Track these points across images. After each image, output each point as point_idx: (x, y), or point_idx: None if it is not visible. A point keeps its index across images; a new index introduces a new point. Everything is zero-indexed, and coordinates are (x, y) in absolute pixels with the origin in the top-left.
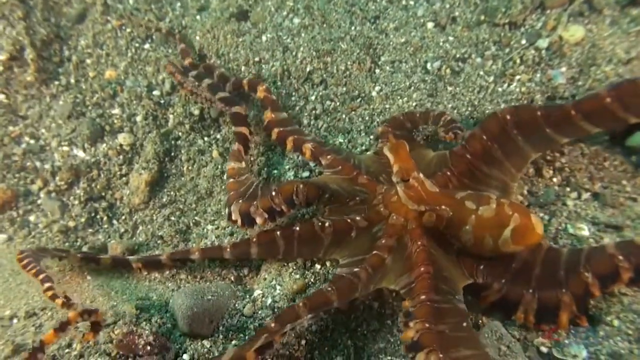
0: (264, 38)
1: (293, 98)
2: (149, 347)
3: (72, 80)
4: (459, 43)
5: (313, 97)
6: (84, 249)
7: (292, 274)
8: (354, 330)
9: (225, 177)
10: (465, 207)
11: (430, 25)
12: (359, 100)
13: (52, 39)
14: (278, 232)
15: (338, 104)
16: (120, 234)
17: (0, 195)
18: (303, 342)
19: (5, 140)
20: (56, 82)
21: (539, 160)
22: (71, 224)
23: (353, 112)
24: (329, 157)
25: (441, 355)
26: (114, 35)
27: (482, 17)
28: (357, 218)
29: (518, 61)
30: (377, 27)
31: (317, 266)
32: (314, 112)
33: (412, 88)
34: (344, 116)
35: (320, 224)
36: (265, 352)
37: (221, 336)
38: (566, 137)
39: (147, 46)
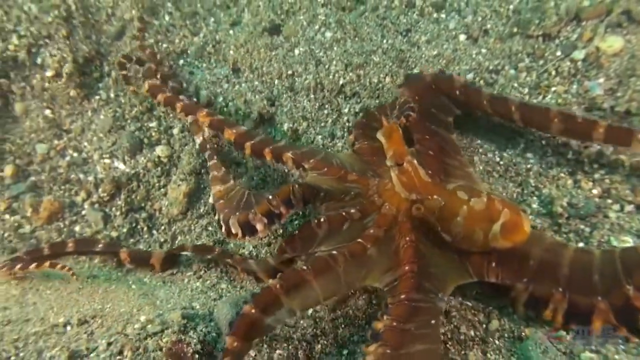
0: (296, 52)
1: (326, 110)
2: (197, 356)
3: (112, 95)
4: (492, 55)
5: (346, 110)
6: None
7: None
8: None
9: (212, 200)
10: (457, 198)
11: (462, 37)
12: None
13: (93, 56)
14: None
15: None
16: (160, 244)
17: (48, 207)
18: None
19: (51, 154)
20: (97, 97)
21: (576, 171)
22: (114, 234)
23: None
24: (311, 161)
25: (388, 351)
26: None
27: (515, 29)
28: (352, 210)
29: (553, 73)
30: (409, 40)
31: None
32: (347, 124)
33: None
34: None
35: (316, 221)
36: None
37: (265, 345)
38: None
39: (181, 62)
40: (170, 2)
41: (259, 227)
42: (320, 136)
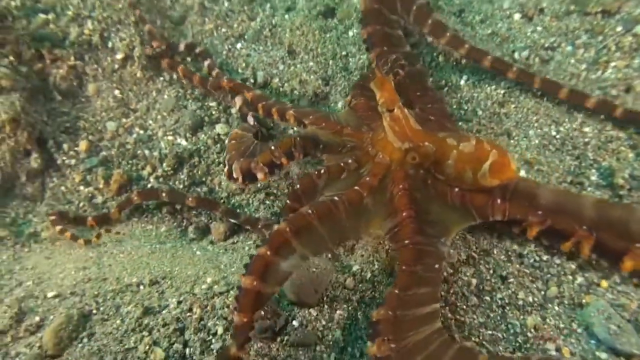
0: (350, 33)
1: None
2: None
3: (175, 77)
4: (548, 33)
5: None
6: (190, 229)
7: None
8: (452, 304)
9: (227, 140)
10: (447, 144)
11: (517, 16)
12: (445, 89)
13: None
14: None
15: None
16: (220, 216)
17: (118, 179)
18: None
19: (120, 131)
20: (161, 79)
21: (638, 145)
22: (177, 206)
23: None
24: (311, 117)
25: (396, 292)
26: (210, 35)
27: (572, 7)
28: (349, 160)
29: (613, 48)
30: (463, 20)
31: None
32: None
33: (500, 76)
34: None
35: (316, 172)
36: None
37: (326, 306)
38: None
39: (239, 45)
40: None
41: (259, 175)
42: None
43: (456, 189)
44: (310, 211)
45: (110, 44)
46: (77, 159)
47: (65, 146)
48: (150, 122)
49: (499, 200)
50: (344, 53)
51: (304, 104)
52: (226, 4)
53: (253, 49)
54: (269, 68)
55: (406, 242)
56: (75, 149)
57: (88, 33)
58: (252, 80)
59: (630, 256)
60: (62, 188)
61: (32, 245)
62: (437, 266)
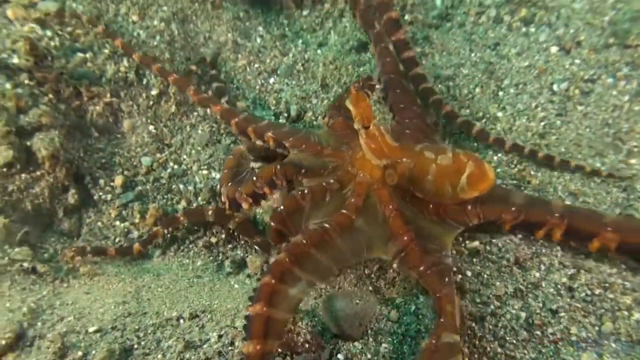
0: None
1: None
2: (307, 345)
3: (208, 111)
4: (587, 65)
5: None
6: (226, 263)
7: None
8: (502, 338)
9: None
10: (425, 158)
11: (554, 49)
12: (484, 120)
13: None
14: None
15: None
16: (255, 250)
17: (154, 214)
18: None
19: (154, 166)
20: (195, 114)
21: None
22: (213, 240)
23: None
24: (291, 139)
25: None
26: (243, 71)
27: (611, 40)
28: (331, 181)
29: None
30: (498, 53)
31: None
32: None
33: (539, 108)
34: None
35: (299, 192)
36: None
37: (371, 339)
38: None
39: (272, 80)
40: (261, 26)
41: (244, 205)
42: None
43: (430, 205)
44: (304, 240)
45: (145, 81)
46: (113, 194)
47: (101, 182)
48: (185, 156)
49: (469, 207)
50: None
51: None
52: (258, 40)
53: (286, 84)
54: (302, 102)
55: (422, 268)
56: (111, 184)
57: (124, 70)
58: (285, 114)
59: (599, 239)
60: (99, 223)
61: (71, 281)
62: (447, 280)
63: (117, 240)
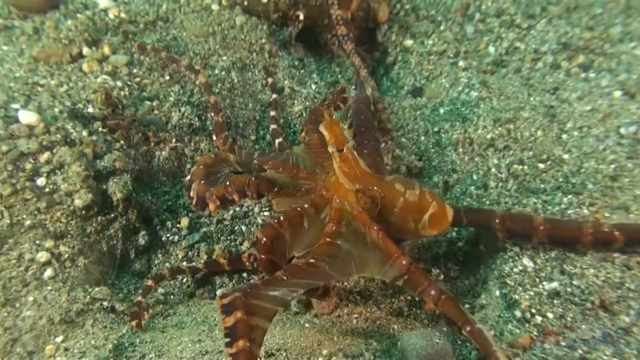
0: (441, 110)
1: (476, 163)
2: None
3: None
4: None
5: (496, 161)
6: (293, 303)
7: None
8: None
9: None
10: (395, 190)
11: (617, 93)
12: (548, 162)
13: (250, 120)
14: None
15: (526, 167)
16: None
17: (219, 254)
18: None
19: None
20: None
21: None
22: None
23: (544, 174)
24: (270, 162)
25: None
26: (299, 116)
27: None
28: (305, 205)
29: None
30: (558, 97)
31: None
32: (500, 175)
33: (607, 151)
34: (534, 178)
35: (275, 221)
36: None
37: None
38: None
39: None
40: (315, 74)
41: (211, 206)
42: (473, 187)
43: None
44: (285, 277)
45: (207, 126)
46: (180, 236)
47: (168, 224)
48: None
49: None
50: (435, 129)
51: None
52: (313, 87)
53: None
54: None
55: (433, 293)
56: (178, 226)
57: (187, 116)
58: None
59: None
60: (167, 264)
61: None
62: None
63: (184, 280)
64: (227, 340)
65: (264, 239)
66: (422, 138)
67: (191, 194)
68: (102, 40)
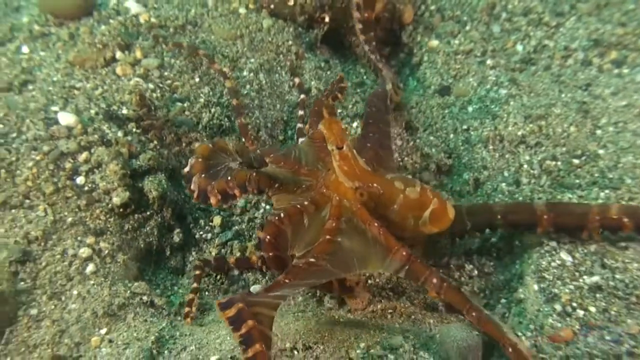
0: (470, 109)
1: (507, 160)
2: None
3: None
4: None
5: (527, 157)
6: (326, 299)
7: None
8: None
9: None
10: (394, 187)
11: None
12: (583, 158)
13: (278, 121)
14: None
15: (559, 163)
16: None
17: (253, 251)
18: None
19: (248, 207)
20: None
21: None
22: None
23: (579, 170)
24: (272, 155)
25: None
26: None
27: None
28: (305, 203)
29: None
30: (591, 93)
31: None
32: (532, 171)
33: None
34: (568, 174)
35: (276, 217)
36: None
37: None
38: None
39: (355, 124)
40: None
41: (212, 200)
42: (504, 183)
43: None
44: (287, 280)
45: (237, 126)
46: (213, 234)
47: (201, 222)
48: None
49: None
50: (464, 127)
51: (428, 176)
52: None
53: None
54: None
55: (435, 281)
56: (210, 224)
57: (217, 117)
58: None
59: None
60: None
61: (183, 314)
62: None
63: (217, 277)
64: (243, 346)
65: (267, 237)
66: (451, 136)
67: (192, 187)
68: (134, 45)
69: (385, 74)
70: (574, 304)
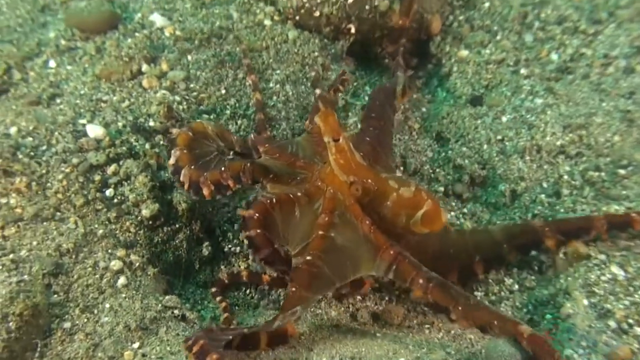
0: (504, 119)
1: (545, 171)
2: None
3: None
4: None
5: (567, 168)
6: (358, 314)
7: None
8: None
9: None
10: (388, 185)
11: None
12: (630, 168)
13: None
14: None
15: (603, 173)
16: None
17: None
18: None
19: None
20: None
21: None
22: (343, 291)
23: (626, 180)
24: (266, 145)
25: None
26: (355, 127)
27: None
28: (298, 193)
29: None
30: (635, 101)
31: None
32: (574, 182)
33: None
34: (614, 185)
35: (268, 200)
36: None
37: None
38: None
39: None
40: (367, 86)
41: (205, 191)
42: (543, 195)
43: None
44: (294, 289)
45: None
46: (242, 247)
47: (229, 235)
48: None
49: None
50: (499, 137)
51: (460, 189)
52: (366, 98)
53: (398, 139)
54: (417, 156)
55: (421, 282)
56: (239, 237)
57: (244, 129)
58: (402, 168)
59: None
60: (224, 274)
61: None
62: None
63: (247, 291)
64: None
65: (256, 214)
66: (485, 147)
67: (182, 178)
68: (160, 57)
69: (399, 74)
70: (631, 321)
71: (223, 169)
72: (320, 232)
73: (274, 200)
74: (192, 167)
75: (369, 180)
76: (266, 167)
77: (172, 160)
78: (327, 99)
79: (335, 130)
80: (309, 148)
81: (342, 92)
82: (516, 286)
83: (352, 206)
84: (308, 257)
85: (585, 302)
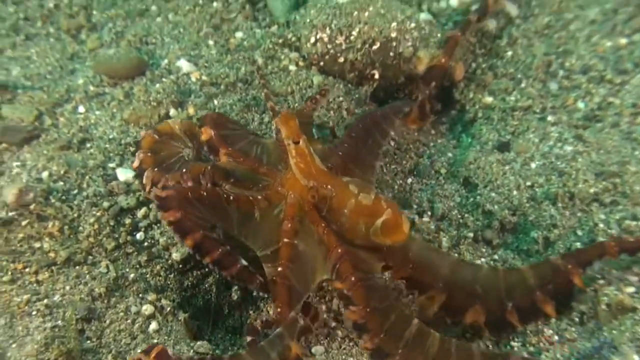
0: (533, 165)
1: (578, 219)
2: None
3: None
4: None
5: (602, 216)
6: None
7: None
8: None
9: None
10: (348, 190)
11: None
12: None
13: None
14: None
15: None
16: None
17: None
18: None
19: None
20: None
21: None
22: None
23: None
24: (229, 148)
25: (382, 336)
26: (380, 172)
27: None
28: (258, 197)
29: None
30: None
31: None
32: (610, 231)
33: None
34: None
35: (225, 195)
36: None
37: None
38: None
39: (409, 180)
40: (393, 132)
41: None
42: (578, 243)
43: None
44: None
45: None
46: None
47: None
48: None
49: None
50: (528, 183)
51: (490, 235)
52: (392, 142)
53: (425, 184)
54: (445, 200)
55: (353, 279)
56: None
57: None
58: (429, 213)
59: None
60: (257, 321)
61: None
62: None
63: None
64: None
65: (206, 196)
66: (514, 192)
67: (144, 181)
68: (187, 102)
69: (397, 103)
70: None
71: (184, 170)
72: (286, 240)
73: (232, 197)
74: (155, 169)
75: (328, 186)
76: (227, 171)
77: (135, 163)
78: (291, 110)
79: (295, 132)
80: (274, 154)
81: (320, 102)
82: (556, 337)
83: (310, 212)
84: (280, 269)
85: (636, 357)
